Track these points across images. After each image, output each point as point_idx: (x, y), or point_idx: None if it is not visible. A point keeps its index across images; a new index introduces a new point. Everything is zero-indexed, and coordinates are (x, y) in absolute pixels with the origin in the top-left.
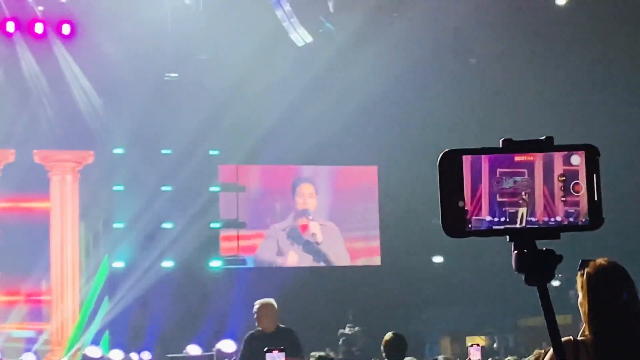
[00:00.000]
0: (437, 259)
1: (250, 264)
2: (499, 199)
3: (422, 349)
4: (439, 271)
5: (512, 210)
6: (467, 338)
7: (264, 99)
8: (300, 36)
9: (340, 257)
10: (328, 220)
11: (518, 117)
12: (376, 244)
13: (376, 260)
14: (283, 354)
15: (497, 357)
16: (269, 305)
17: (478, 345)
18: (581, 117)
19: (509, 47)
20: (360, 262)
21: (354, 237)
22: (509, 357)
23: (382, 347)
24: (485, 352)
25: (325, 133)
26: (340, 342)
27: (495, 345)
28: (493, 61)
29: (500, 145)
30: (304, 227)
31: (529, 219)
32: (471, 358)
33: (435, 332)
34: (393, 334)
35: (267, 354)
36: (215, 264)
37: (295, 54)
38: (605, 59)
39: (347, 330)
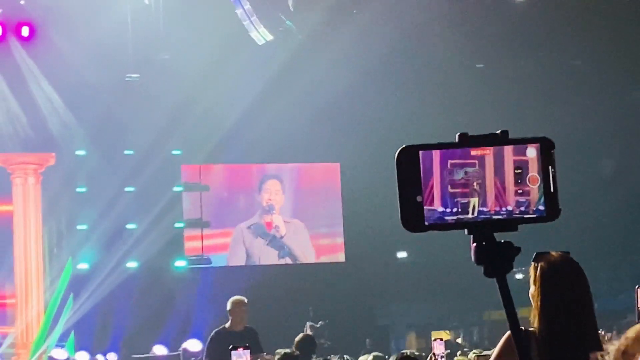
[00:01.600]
0: (402, 255)
1: (215, 263)
2: (450, 190)
3: (388, 344)
4: (403, 267)
5: (463, 200)
6: (432, 333)
7: (226, 98)
8: (261, 35)
9: (306, 253)
10: (293, 218)
11: (478, 112)
12: (340, 240)
13: (340, 257)
14: (248, 351)
15: (464, 350)
16: (243, 302)
17: (442, 339)
18: (539, 112)
19: (468, 43)
20: (324, 259)
21: (318, 234)
22: (474, 351)
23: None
24: (450, 346)
25: (288, 131)
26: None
27: (460, 340)
28: (455, 57)
29: (457, 140)
30: (269, 224)
31: (481, 209)
32: (435, 352)
33: (401, 327)
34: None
35: (233, 352)
36: (180, 263)
37: (256, 53)
38: (563, 55)
39: (314, 324)
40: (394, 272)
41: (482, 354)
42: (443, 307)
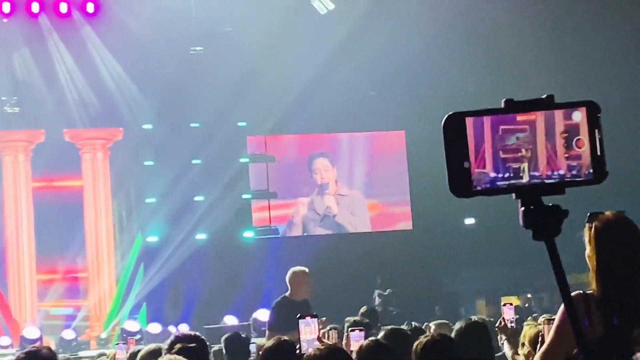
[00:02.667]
0: (469, 221)
1: (282, 233)
2: (502, 155)
3: (457, 311)
4: (471, 233)
5: (515, 165)
6: (502, 298)
7: (290, 68)
8: (323, 4)
9: (366, 226)
10: (353, 189)
11: (547, 78)
12: (407, 208)
13: (407, 225)
14: (316, 319)
15: (534, 316)
16: (303, 272)
17: (511, 304)
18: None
19: (535, 8)
20: (391, 227)
21: (385, 203)
22: (544, 315)
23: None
24: (520, 311)
25: (353, 99)
26: (376, 303)
27: (530, 305)
28: (522, 23)
29: (503, 106)
30: (324, 203)
31: (533, 173)
32: (504, 317)
33: (470, 294)
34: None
35: (300, 321)
36: (248, 234)
37: (319, 22)
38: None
39: (383, 292)
40: (462, 239)
41: (553, 317)
42: (512, 272)
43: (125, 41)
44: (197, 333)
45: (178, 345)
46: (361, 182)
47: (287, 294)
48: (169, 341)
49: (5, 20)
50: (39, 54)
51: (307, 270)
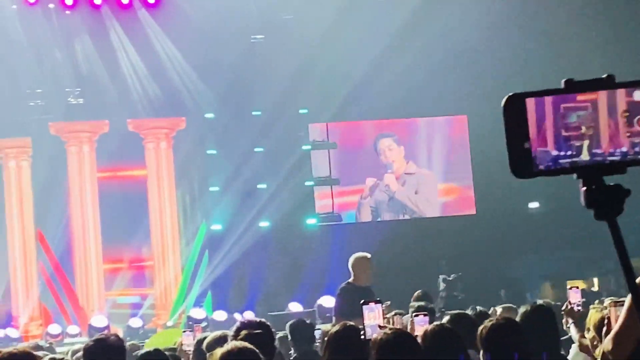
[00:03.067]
0: (533, 205)
1: (346, 220)
2: (563, 134)
3: (522, 295)
4: (535, 217)
5: (577, 143)
6: (568, 282)
7: (350, 54)
8: None
9: (430, 207)
10: (421, 168)
11: (608, 58)
12: (470, 193)
13: (471, 210)
14: (380, 305)
15: (600, 299)
16: (365, 258)
17: (577, 288)
18: None
19: None
20: (454, 212)
21: (448, 188)
22: (611, 298)
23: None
24: (586, 294)
25: (413, 85)
26: (440, 288)
27: (596, 288)
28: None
29: (563, 86)
30: (390, 180)
31: (594, 151)
32: (571, 300)
33: (535, 278)
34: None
35: (364, 307)
36: (311, 221)
37: (379, 7)
38: None
39: (447, 277)
40: (526, 223)
41: (619, 300)
42: (578, 256)
43: (187, 30)
44: (263, 320)
45: (244, 332)
46: (424, 167)
47: (350, 279)
48: (234, 328)
49: (68, 12)
50: (101, 45)
51: (369, 255)
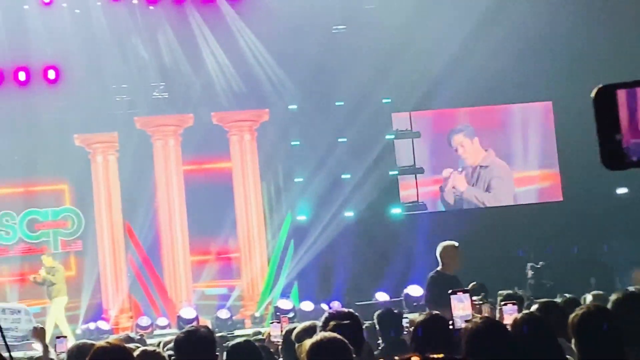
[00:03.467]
0: (621, 190)
1: (430, 209)
2: None
3: (612, 282)
4: (623, 203)
5: None
6: None
7: (433, 42)
8: None
9: (503, 200)
10: (503, 160)
11: None
12: (557, 179)
13: (558, 196)
14: (468, 295)
15: None
16: (453, 247)
17: None
18: None
19: None
20: (541, 199)
21: (534, 175)
22: None
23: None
24: None
25: (497, 72)
26: (529, 276)
27: None
28: None
29: None
30: (458, 180)
31: None
32: None
33: (625, 264)
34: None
35: (452, 296)
36: (396, 211)
37: None
38: None
39: (535, 265)
40: (615, 209)
41: None
42: None
43: (268, 22)
44: (351, 310)
45: (332, 323)
46: (509, 155)
47: (439, 268)
48: (323, 318)
49: (151, 7)
50: (184, 39)
51: (457, 244)
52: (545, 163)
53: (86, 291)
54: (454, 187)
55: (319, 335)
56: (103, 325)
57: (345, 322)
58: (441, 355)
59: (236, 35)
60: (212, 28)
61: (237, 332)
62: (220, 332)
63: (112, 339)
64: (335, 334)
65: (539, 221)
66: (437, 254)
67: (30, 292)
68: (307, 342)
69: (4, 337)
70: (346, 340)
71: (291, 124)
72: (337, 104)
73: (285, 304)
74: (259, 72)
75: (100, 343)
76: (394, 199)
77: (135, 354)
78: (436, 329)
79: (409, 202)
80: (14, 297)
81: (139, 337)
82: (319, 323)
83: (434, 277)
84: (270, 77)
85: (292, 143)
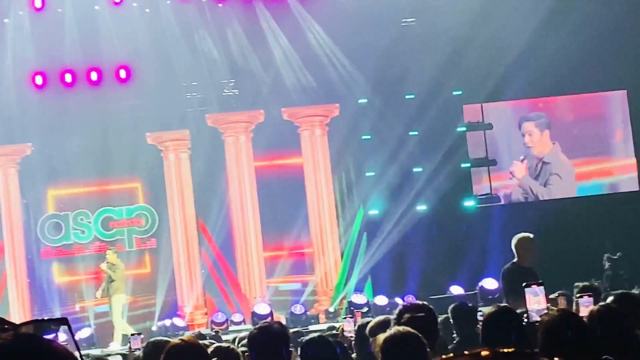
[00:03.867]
0: None
1: (504, 201)
2: None
3: None
4: None
5: None
6: None
7: (503, 33)
8: None
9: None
10: (562, 154)
11: None
12: (633, 169)
13: (634, 186)
14: (542, 287)
15: None
16: (528, 239)
17: None
18: None
19: None
20: (617, 189)
21: (609, 166)
22: None
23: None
24: None
25: (569, 61)
26: (605, 267)
27: None
28: None
29: None
30: (516, 167)
31: None
32: None
33: None
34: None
35: (526, 289)
36: (469, 203)
37: None
38: None
39: (612, 256)
40: None
41: None
42: None
43: (337, 17)
44: (425, 302)
45: (406, 315)
46: (582, 145)
47: (514, 260)
48: (397, 311)
49: (220, 4)
50: (253, 36)
51: (532, 236)
52: (621, 152)
53: (161, 288)
54: (511, 173)
55: (393, 330)
56: (178, 322)
57: (420, 314)
58: (512, 350)
59: (305, 30)
60: (280, 23)
61: (311, 328)
62: (294, 327)
63: (186, 335)
64: (409, 329)
65: (615, 212)
66: (513, 246)
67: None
68: (381, 337)
69: (72, 334)
70: (420, 335)
71: (362, 118)
72: (407, 96)
73: (359, 299)
74: (329, 67)
75: (175, 340)
76: (466, 191)
77: (210, 350)
78: (506, 322)
79: (482, 195)
80: (90, 295)
81: (213, 333)
82: (393, 316)
83: (509, 269)
84: (339, 71)
85: (363, 137)
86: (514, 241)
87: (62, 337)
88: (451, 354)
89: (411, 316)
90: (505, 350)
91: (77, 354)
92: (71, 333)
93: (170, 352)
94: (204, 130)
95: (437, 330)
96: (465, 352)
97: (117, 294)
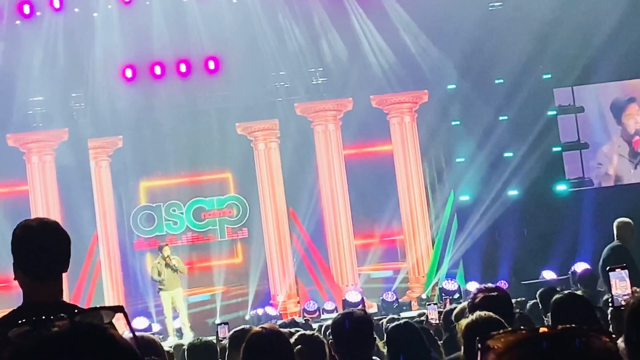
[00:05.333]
0: None
1: (597, 184)
2: None
3: None
4: None
5: None
6: None
7: (592, 15)
8: None
9: None
10: None
11: None
12: None
13: None
14: (627, 270)
15: None
16: (627, 223)
17: None
18: None
19: None
20: None
21: None
22: None
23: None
24: None
25: None
26: None
27: None
28: None
29: None
30: (607, 149)
31: None
32: None
33: None
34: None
35: (611, 274)
36: (561, 187)
37: None
38: None
39: None
40: None
41: None
42: None
43: (423, 2)
44: (499, 285)
45: (479, 296)
46: None
47: (618, 242)
48: (471, 294)
49: None
50: (340, 23)
51: (628, 221)
52: None
53: (253, 278)
54: (605, 156)
55: (475, 315)
56: (271, 310)
57: (493, 293)
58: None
59: (392, 17)
60: (367, 11)
61: (403, 315)
62: (386, 314)
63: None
64: (490, 313)
65: None
66: (615, 229)
67: (199, 280)
68: (463, 322)
69: (129, 322)
70: (502, 320)
71: (451, 104)
72: (496, 81)
73: (450, 285)
74: (416, 53)
75: (256, 329)
76: (558, 175)
77: (294, 338)
78: (575, 307)
79: (575, 178)
80: (183, 285)
81: (304, 321)
82: (469, 298)
83: (615, 249)
84: (427, 57)
85: (453, 123)
86: (616, 224)
87: (119, 325)
88: (509, 328)
89: (484, 296)
90: (567, 326)
91: (133, 343)
92: (128, 322)
93: (252, 340)
94: (293, 119)
95: (513, 311)
96: (523, 329)
97: (177, 288)
